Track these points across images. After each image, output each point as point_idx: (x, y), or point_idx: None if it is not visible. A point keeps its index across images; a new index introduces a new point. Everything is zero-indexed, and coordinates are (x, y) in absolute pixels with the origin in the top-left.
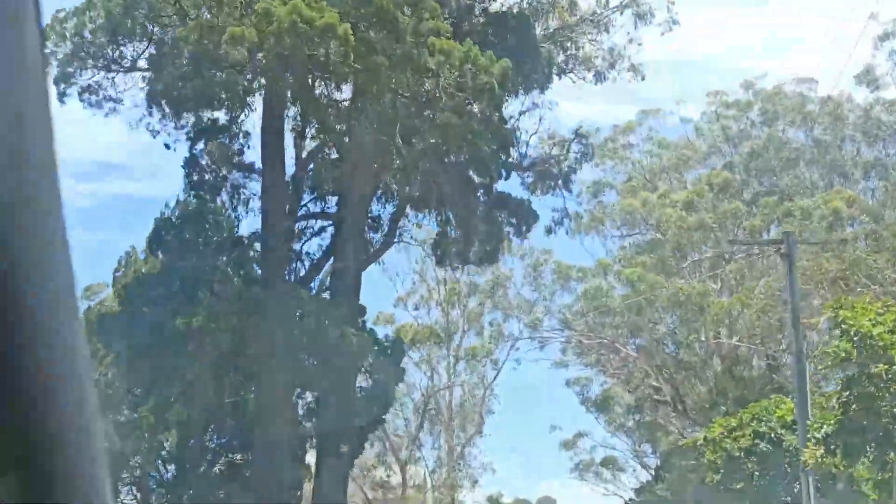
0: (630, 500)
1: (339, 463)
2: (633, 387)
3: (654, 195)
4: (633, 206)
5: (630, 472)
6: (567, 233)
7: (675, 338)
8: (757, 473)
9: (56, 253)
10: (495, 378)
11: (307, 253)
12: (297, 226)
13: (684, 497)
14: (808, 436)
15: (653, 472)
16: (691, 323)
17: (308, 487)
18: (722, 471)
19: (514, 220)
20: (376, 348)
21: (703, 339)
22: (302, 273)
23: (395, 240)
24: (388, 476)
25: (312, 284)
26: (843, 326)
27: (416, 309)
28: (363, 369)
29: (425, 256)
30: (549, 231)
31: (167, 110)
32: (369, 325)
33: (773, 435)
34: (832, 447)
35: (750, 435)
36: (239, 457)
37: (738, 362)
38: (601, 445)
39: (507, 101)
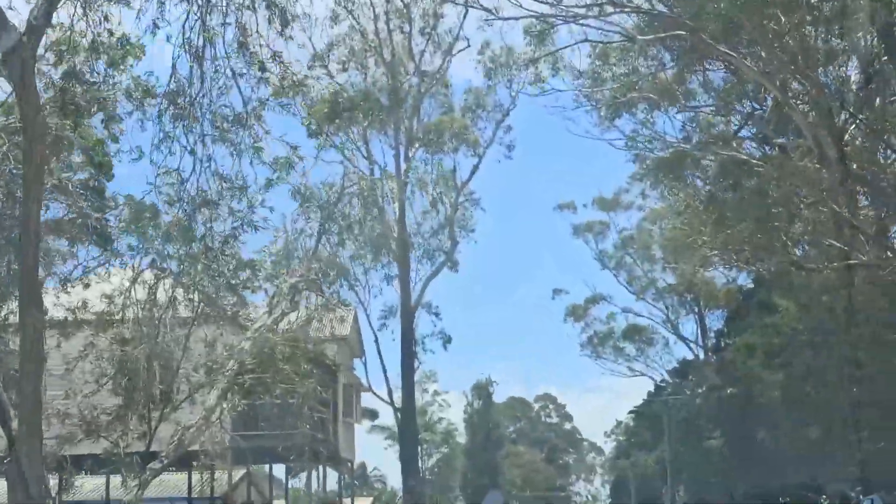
0: (662, 381)
1: None
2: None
3: None
4: None
5: (661, 345)
6: None
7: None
8: None
9: None
10: (472, 175)
11: None
12: None
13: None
14: None
15: (712, 339)
16: None
17: None
18: None
19: None
20: None
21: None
22: None
23: None
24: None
25: None
26: None
27: (344, 69)
28: None
29: None
30: None
31: None
32: None
33: None
34: None
35: None
36: None
37: None
38: (624, 311)
39: None
